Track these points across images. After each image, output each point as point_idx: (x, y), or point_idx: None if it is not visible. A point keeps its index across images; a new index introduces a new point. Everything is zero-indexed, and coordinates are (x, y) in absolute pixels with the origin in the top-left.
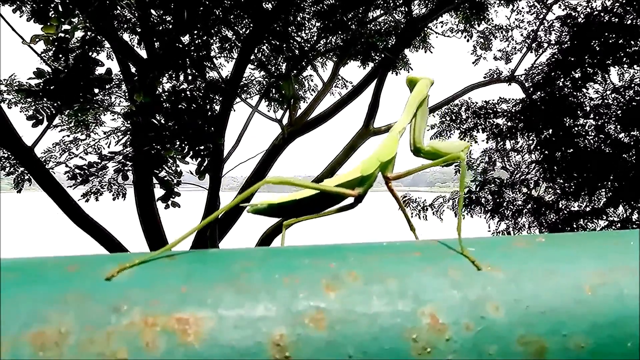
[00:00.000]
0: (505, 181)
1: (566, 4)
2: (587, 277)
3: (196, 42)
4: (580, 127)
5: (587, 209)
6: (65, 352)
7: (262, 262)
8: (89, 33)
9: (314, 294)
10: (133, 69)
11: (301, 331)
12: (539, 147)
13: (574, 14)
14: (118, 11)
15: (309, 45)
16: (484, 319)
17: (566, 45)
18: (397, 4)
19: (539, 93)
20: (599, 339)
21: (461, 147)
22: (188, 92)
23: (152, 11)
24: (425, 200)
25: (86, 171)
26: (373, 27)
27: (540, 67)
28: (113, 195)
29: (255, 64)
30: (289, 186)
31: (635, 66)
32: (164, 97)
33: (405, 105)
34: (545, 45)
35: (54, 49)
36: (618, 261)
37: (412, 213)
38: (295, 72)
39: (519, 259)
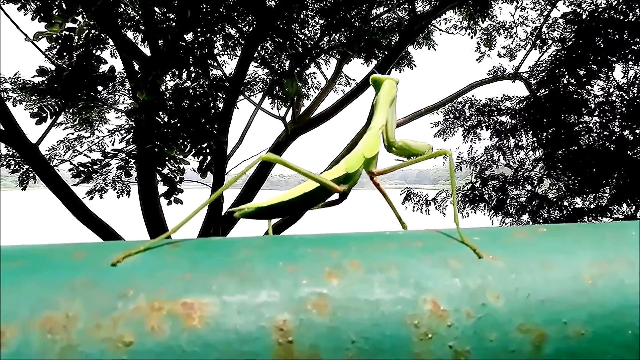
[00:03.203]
0: (509, 178)
1: (570, 0)
2: (588, 268)
3: (199, 39)
4: (584, 125)
5: (592, 206)
6: (73, 336)
7: (265, 250)
8: (92, 31)
9: (317, 281)
10: (136, 67)
11: (304, 317)
12: (542, 145)
13: (578, 10)
14: (121, 9)
15: (312, 42)
16: (485, 307)
17: (570, 43)
18: (401, 1)
19: (543, 90)
20: (598, 328)
21: (427, 146)
22: (191, 90)
23: (156, 9)
24: (427, 194)
25: (89, 168)
26: (376, 25)
27: (544, 65)
28: (117, 192)
29: (259, 61)
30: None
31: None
32: (168, 95)
33: (376, 105)
34: (550, 42)
35: (58, 46)
36: (619, 252)
37: (414, 207)
38: (298, 69)
39: (520, 248)
